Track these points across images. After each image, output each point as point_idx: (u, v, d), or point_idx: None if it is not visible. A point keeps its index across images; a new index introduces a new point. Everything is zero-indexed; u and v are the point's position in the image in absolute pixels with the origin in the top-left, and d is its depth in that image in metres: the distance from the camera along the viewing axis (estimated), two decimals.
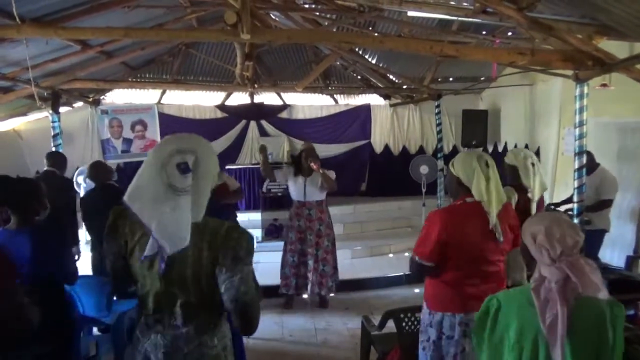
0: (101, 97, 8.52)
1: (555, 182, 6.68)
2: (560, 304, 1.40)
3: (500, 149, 8.34)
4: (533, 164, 3.10)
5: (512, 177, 3.17)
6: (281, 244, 5.15)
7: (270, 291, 5.16)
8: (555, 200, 5.66)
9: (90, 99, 8.22)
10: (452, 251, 2.20)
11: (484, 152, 2.45)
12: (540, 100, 7.30)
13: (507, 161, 3.23)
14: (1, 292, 1.62)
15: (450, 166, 2.32)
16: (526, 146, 7.48)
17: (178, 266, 1.53)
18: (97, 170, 4.54)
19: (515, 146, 7.76)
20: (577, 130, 4.26)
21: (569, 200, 4.75)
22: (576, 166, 4.29)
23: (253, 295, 1.52)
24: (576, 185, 4.31)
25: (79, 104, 8.25)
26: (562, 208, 4.95)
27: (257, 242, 6.84)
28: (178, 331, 1.56)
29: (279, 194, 7.02)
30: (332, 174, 4.76)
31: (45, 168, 4.81)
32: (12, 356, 2.27)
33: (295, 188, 4.85)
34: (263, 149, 4.84)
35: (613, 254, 5.47)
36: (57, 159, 4.92)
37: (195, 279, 1.54)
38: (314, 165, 4.63)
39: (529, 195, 3.07)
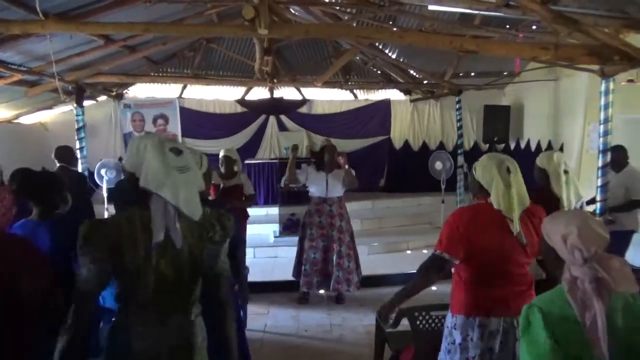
0: (124, 91, 8.67)
1: (579, 180, 6.52)
2: (597, 303, 1.40)
3: (522, 145, 8.19)
4: (566, 172, 2.96)
5: (540, 180, 3.06)
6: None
7: (287, 286, 5.18)
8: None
9: (114, 93, 8.37)
10: (473, 250, 2.18)
11: (507, 155, 2.38)
12: (565, 95, 7.14)
13: (538, 163, 3.11)
14: (34, 281, 1.66)
15: (473, 169, 2.32)
16: (549, 143, 7.33)
17: (183, 251, 1.62)
18: None
19: (538, 143, 7.61)
20: (602, 127, 4.14)
21: (595, 199, 4.61)
22: (600, 164, 4.17)
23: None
24: (600, 183, 4.20)
25: (103, 98, 8.41)
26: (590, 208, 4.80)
27: (275, 237, 6.89)
28: (183, 320, 1.65)
29: (297, 189, 7.01)
30: (352, 172, 4.73)
31: (57, 164, 4.69)
32: (37, 341, 2.35)
33: (317, 184, 4.77)
34: (295, 149, 4.77)
35: (636, 255, 5.31)
36: (64, 154, 4.82)
37: (195, 263, 1.66)
38: (341, 159, 4.59)
39: (562, 204, 2.90)
